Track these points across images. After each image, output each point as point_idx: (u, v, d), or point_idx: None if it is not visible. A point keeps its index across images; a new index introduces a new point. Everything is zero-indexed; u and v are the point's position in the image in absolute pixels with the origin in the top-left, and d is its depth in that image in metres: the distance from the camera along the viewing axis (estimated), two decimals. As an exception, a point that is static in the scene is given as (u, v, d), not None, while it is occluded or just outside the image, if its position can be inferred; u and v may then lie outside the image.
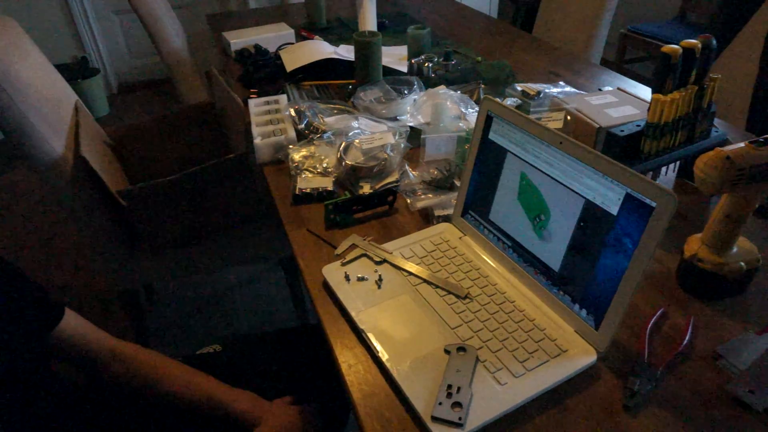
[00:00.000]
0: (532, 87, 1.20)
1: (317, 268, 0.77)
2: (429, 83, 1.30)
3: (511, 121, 0.72)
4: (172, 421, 0.82)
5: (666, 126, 0.83)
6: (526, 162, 0.70)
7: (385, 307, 0.70)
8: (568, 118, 0.95)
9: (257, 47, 1.62)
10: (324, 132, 1.09)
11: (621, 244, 0.58)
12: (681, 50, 0.78)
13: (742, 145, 0.62)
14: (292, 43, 1.66)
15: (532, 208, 0.70)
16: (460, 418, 0.54)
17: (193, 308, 1.89)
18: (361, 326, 0.67)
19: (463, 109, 1.11)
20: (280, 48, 1.62)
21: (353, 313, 0.68)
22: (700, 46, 0.79)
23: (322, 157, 1.01)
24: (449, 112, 1.08)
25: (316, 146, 1.04)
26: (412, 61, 1.41)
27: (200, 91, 1.99)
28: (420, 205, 0.89)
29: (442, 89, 1.16)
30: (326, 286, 0.75)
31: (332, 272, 0.76)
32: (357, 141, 1.01)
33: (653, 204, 0.55)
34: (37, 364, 0.70)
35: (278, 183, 1.00)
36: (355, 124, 1.10)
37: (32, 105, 1.11)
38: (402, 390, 0.58)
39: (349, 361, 0.64)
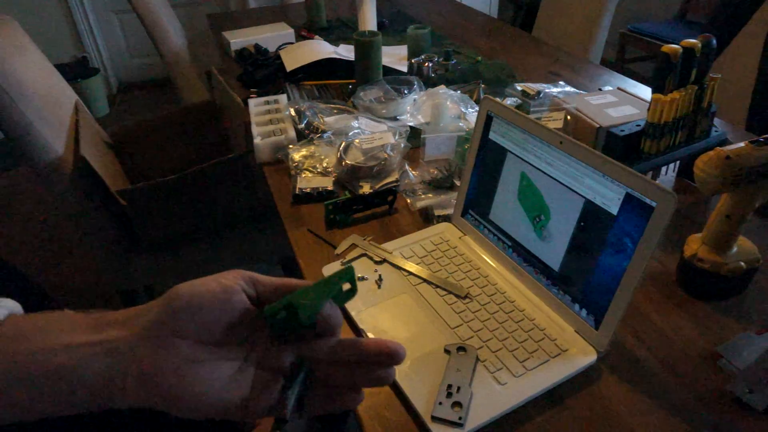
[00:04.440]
0: (532, 87, 1.19)
1: (317, 268, 0.77)
2: (429, 83, 1.30)
3: (511, 121, 0.72)
4: (170, 421, 0.82)
5: (666, 126, 0.83)
6: (526, 162, 0.70)
7: (385, 307, 0.70)
8: (568, 118, 0.95)
9: (257, 47, 1.62)
10: (324, 132, 1.09)
11: (621, 243, 0.58)
12: (681, 50, 0.78)
13: (742, 145, 0.62)
14: (292, 43, 1.66)
15: (532, 208, 0.70)
16: (460, 418, 0.54)
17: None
18: (361, 326, 0.67)
19: (463, 109, 1.11)
20: (280, 48, 1.62)
21: (353, 313, 0.68)
22: (700, 45, 0.79)
23: (322, 157, 1.01)
24: (449, 112, 1.08)
25: (316, 146, 1.04)
26: (412, 61, 1.41)
27: (200, 91, 1.99)
28: (420, 205, 0.89)
29: (442, 89, 1.16)
30: (326, 286, 0.74)
31: (332, 272, 0.76)
32: (357, 141, 1.01)
33: (653, 204, 0.55)
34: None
35: (278, 183, 1.00)
36: (355, 123, 1.10)
37: (32, 105, 1.11)
38: (402, 390, 0.58)
39: (349, 361, 0.64)
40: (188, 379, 0.34)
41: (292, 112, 1.14)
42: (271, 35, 1.67)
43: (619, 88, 1.03)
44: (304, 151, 1.03)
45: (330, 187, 0.95)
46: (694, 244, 0.71)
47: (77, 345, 0.34)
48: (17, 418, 0.34)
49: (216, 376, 0.35)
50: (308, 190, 0.94)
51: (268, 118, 1.15)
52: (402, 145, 1.01)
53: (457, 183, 0.93)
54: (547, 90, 1.20)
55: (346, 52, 1.51)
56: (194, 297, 0.35)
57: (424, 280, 0.73)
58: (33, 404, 0.34)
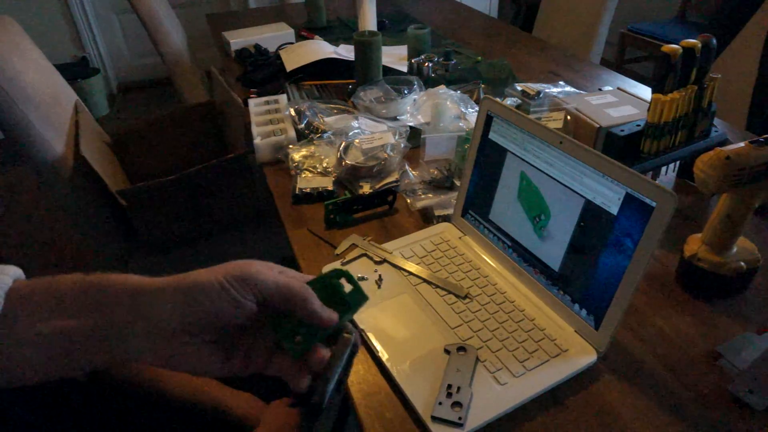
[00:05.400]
0: (532, 87, 1.19)
1: (317, 268, 0.77)
2: (429, 83, 1.30)
3: (511, 121, 0.72)
4: (171, 422, 0.82)
5: (666, 126, 0.83)
6: (526, 162, 0.70)
7: (385, 307, 0.70)
8: (568, 118, 0.95)
9: (257, 47, 1.62)
10: (324, 132, 1.09)
11: (621, 243, 0.58)
12: (681, 50, 0.78)
13: (742, 145, 0.62)
14: (292, 43, 1.66)
15: (532, 207, 0.70)
16: (460, 418, 0.54)
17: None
18: (361, 326, 0.67)
19: (463, 109, 1.11)
20: (280, 48, 1.62)
21: (353, 313, 0.68)
22: (700, 45, 0.79)
23: (322, 157, 1.01)
24: (449, 112, 1.08)
25: (316, 146, 1.04)
26: (412, 61, 1.41)
27: (200, 91, 1.99)
28: (420, 205, 0.89)
29: (442, 89, 1.16)
30: (326, 286, 0.74)
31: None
32: (357, 141, 1.01)
33: (653, 204, 0.55)
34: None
35: (278, 183, 1.00)
36: (355, 123, 1.10)
37: (32, 105, 1.10)
38: (402, 390, 0.58)
39: (349, 361, 0.64)
40: (187, 364, 0.38)
41: (292, 112, 1.14)
42: (271, 35, 1.67)
43: (619, 88, 1.03)
44: (304, 151, 1.03)
45: (330, 187, 0.94)
46: (694, 244, 0.71)
47: (83, 329, 0.36)
48: (28, 379, 0.37)
49: (212, 360, 0.40)
50: (308, 190, 0.94)
51: (268, 118, 1.15)
52: (402, 145, 1.01)
53: (457, 183, 0.93)
54: (547, 90, 1.20)
55: (346, 52, 1.51)
56: (210, 309, 0.38)
57: (424, 280, 0.73)
58: (40, 368, 0.36)
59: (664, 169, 0.92)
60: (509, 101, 1.18)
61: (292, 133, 1.08)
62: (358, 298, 0.42)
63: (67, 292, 0.37)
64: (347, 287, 0.44)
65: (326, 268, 0.76)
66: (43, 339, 0.35)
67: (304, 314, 0.41)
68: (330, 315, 0.42)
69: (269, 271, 0.41)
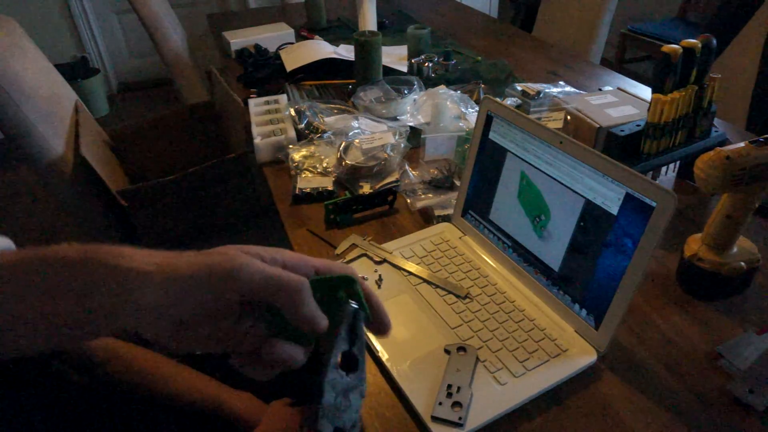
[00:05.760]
0: (532, 87, 1.19)
1: (317, 268, 0.77)
2: (429, 83, 1.30)
3: (511, 121, 0.72)
4: (171, 422, 0.82)
5: (666, 126, 0.82)
6: (526, 162, 0.70)
7: (385, 307, 0.70)
8: (568, 118, 0.95)
9: (257, 47, 1.62)
10: (324, 132, 1.09)
11: (621, 243, 0.58)
12: (681, 50, 0.78)
13: (742, 145, 0.62)
14: (292, 43, 1.66)
15: (532, 207, 0.70)
16: (460, 418, 0.54)
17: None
18: (361, 326, 0.67)
19: (463, 109, 1.11)
20: (280, 48, 1.62)
21: (353, 313, 0.68)
22: (700, 45, 0.79)
23: (322, 157, 1.01)
24: (449, 112, 1.08)
25: (316, 146, 1.04)
26: (412, 61, 1.41)
27: (200, 91, 1.99)
28: (420, 205, 0.89)
29: (442, 89, 1.16)
30: (326, 286, 0.74)
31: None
32: (357, 141, 1.01)
33: (653, 204, 0.55)
34: (36, 363, 0.70)
35: (278, 183, 1.00)
36: (355, 123, 1.10)
37: (32, 105, 1.10)
38: (402, 390, 0.58)
39: (349, 361, 0.64)
40: (173, 342, 0.37)
41: (292, 112, 1.14)
42: (271, 35, 1.67)
43: (619, 88, 1.03)
44: (304, 151, 1.03)
45: (330, 187, 0.94)
46: (694, 244, 0.71)
47: (68, 311, 0.35)
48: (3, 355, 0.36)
49: (199, 340, 0.38)
50: (308, 190, 0.94)
51: (268, 118, 1.15)
52: (402, 145, 1.01)
53: (457, 183, 0.93)
54: (547, 90, 1.20)
55: (346, 52, 1.51)
56: (192, 304, 0.36)
57: (424, 280, 0.73)
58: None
59: (664, 169, 0.92)
60: (509, 101, 1.18)
61: (292, 133, 1.08)
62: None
63: (54, 270, 0.36)
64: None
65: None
66: (25, 318, 0.35)
67: (289, 313, 0.37)
68: (320, 322, 0.38)
69: (257, 263, 0.37)
